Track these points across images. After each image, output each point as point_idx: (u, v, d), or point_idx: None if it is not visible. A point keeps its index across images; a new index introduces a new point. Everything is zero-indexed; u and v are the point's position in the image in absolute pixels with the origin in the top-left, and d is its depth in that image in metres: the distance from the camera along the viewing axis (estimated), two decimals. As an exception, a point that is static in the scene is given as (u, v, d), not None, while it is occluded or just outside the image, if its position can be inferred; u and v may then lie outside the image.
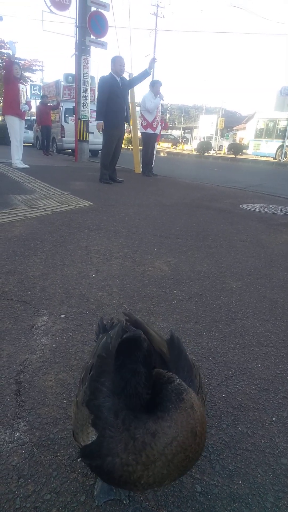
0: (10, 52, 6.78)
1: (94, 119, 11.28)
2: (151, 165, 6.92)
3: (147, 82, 6.47)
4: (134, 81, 5.75)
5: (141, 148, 7.00)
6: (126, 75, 5.61)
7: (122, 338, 0.66)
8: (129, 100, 6.26)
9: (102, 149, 5.79)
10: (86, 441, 0.62)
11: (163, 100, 6.67)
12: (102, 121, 5.26)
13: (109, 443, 0.58)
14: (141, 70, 5.66)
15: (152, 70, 5.64)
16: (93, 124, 10.76)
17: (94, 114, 10.60)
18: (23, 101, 6.36)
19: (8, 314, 1.47)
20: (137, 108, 7.75)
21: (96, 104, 5.44)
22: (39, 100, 12.01)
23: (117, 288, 1.79)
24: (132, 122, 7.18)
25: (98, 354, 0.69)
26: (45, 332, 1.36)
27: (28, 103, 6.62)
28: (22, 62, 17.64)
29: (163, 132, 8.31)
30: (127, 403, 0.61)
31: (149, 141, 6.70)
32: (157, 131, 6.81)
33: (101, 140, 6.01)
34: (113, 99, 5.22)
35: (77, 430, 0.65)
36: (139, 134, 7.24)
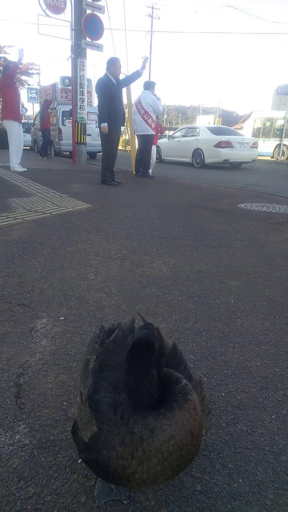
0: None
1: (94, 122, 11.31)
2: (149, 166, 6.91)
3: (140, 82, 6.49)
4: (126, 81, 5.74)
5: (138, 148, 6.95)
6: (120, 76, 5.61)
7: (136, 340, 0.66)
8: (125, 102, 6.26)
9: (103, 152, 5.75)
10: (88, 437, 0.63)
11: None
12: (106, 124, 5.23)
13: (106, 437, 0.59)
14: (133, 71, 5.67)
15: (143, 70, 5.62)
16: (91, 127, 10.84)
17: (91, 117, 10.65)
18: (21, 105, 6.40)
19: (8, 317, 1.47)
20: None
21: (98, 107, 5.39)
22: (38, 104, 12.07)
23: (116, 289, 1.79)
24: (129, 123, 7.19)
25: (105, 346, 0.71)
26: (44, 334, 1.36)
27: (22, 105, 6.66)
28: (19, 66, 17.70)
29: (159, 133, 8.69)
30: (137, 403, 0.62)
31: (152, 142, 6.68)
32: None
33: (99, 142, 6.01)
34: (112, 101, 5.22)
35: (81, 427, 0.66)
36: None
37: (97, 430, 0.60)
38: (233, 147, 9.96)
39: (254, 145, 10.67)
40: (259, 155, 18.84)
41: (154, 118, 6.46)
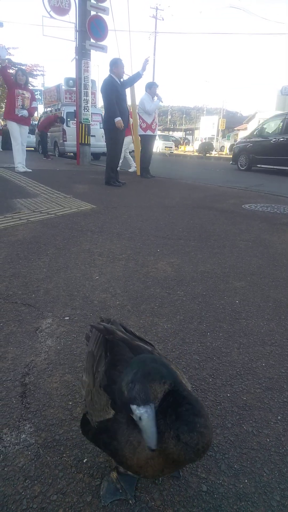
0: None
1: (98, 123, 11.33)
2: (148, 167, 6.95)
3: (143, 84, 6.52)
4: (129, 82, 5.74)
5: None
6: (124, 77, 5.62)
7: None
8: (129, 103, 6.28)
9: (108, 152, 5.75)
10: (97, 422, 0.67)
11: (162, 102, 6.70)
12: (120, 118, 5.20)
13: (117, 429, 0.62)
14: (134, 72, 5.69)
15: (144, 71, 5.64)
16: (95, 128, 10.86)
17: (95, 118, 10.66)
18: (20, 106, 6.28)
19: (13, 317, 1.48)
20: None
21: (106, 105, 5.33)
22: (43, 105, 12.11)
23: (120, 289, 1.79)
24: (133, 124, 7.22)
25: (115, 343, 0.74)
26: (49, 334, 1.37)
27: (32, 109, 6.56)
28: (23, 67, 17.70)
29: (165, 133, 8.86)
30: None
31: (148, 142, 6.72)
32: (156, 133, 6.85)
33: (103, 143, 6.02)
34: (118, 102, 5.23)
35: (91, 411, 0.69)
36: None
37: (114, 419, 0.63)
38: None
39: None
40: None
41: (147, 119, 6.50)
